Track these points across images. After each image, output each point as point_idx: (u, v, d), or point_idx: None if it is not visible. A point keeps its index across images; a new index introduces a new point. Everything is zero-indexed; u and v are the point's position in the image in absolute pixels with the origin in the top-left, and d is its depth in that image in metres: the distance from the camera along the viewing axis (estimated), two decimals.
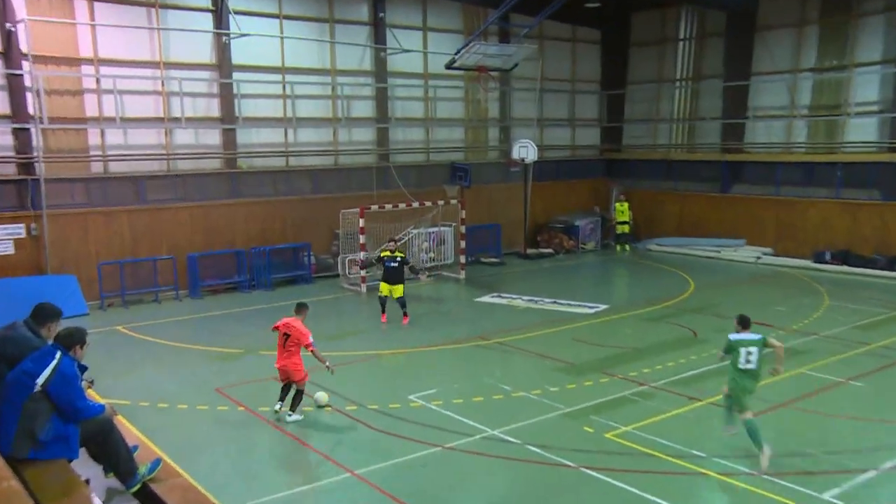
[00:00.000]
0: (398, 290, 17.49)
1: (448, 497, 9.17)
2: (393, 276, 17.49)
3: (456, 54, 21.87)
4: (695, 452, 10.11)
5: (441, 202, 23.75)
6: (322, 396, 12.09)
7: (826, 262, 23.71)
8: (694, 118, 29.13)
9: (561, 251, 27.87)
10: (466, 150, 27.53)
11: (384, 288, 17.60)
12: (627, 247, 28.34)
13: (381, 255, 18.00)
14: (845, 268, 23.26)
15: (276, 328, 11.64)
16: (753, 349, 9.77)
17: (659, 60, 30.12)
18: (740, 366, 9.76)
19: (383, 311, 17.65)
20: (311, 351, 11.32)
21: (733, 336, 9.98)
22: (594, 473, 9.54)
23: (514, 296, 20.40)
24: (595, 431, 10.90)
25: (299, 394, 11.59)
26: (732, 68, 26.97)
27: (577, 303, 19.31)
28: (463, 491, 9.32)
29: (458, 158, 26.85)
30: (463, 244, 23.76)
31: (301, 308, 11.77)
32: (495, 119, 28.38)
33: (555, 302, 19.60)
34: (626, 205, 28.46)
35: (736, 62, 26.87)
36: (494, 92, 27.12)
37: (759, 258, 25.32)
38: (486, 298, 20.39)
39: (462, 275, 23.39)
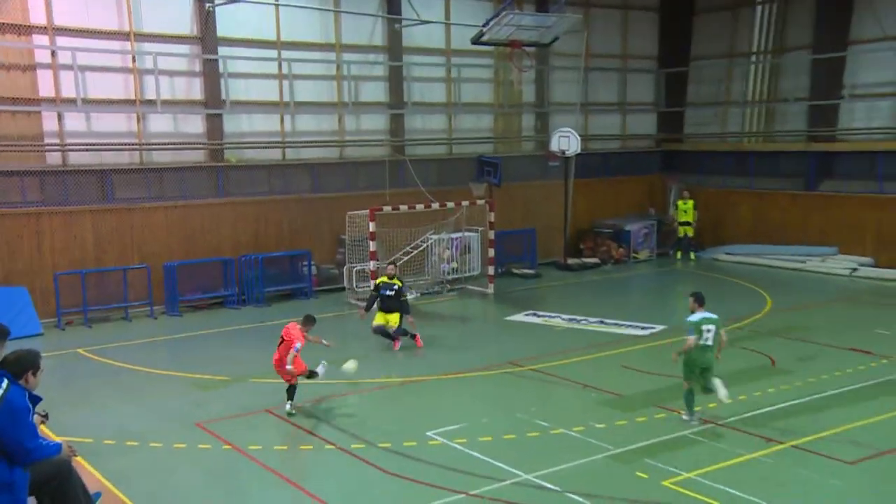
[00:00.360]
0: (394, 318, 17.53)
1: None
2: (389, 305, 17.57)
3: (484, 26, 21.84)
4: None
5: (466, 203, 23.72)
6: (351, 367, 14.01)
7: None
8: (774, 100, 28.90)
9: (608, 261, 27.78)
10: (496, 141, 27.57)
11: (380, 317, 17.63)
12: (692, 255, 28.14)
13: (378, 282, 18.06)
14: None
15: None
16: (712, 327, 12.43)
17: (731, 30, 29.99)
18: (700, 342, 12.31)
19: (392, 338, 17.66)
20: (292, 353, 13.10)
21: (695, 317, 12.44)
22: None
23: (552, 314, 20.33)
24: (650, 478, 10.76)
25: (292, 389, 13.55)
26: (825, 37, 26.67)
27: (628, 323, 19.21)
28: None
29: (487, 151, 26.86)
30: (491, 253, 23.74)
31: (308, 320, 13.68)
32: (530, 104, 28.40)
33: (601, 322, 19.51)
34: (690, 203, 28.27)
35: (830, 29, 26.57)
36: (530, 72, 27.02)
37: (854, 270, 25.03)
38: (519, 317, 20.33)
39: (490, 289, 23.34)
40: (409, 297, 21.96)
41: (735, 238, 28.68)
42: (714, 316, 12.47)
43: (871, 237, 25.65)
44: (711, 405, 13.56)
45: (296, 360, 13.22)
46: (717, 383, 12.45)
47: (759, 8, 29.03)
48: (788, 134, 28.48)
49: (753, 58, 29.34)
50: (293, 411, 13.47)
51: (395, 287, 17.62)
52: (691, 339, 12.27)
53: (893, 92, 25.81)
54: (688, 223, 28.27)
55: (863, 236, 25.80)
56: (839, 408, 13.42)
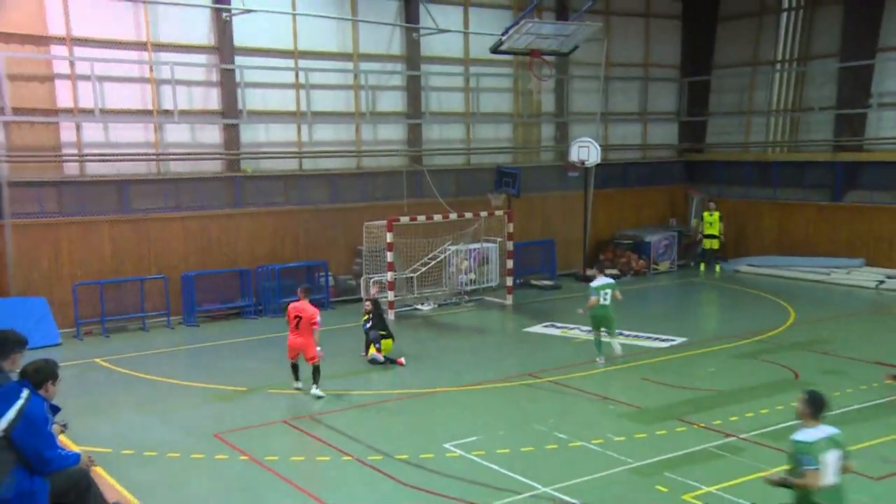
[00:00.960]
0: (384, 344, 17.47)
1: None
2: (372, 335, 17.43)
3: (503, 35, 21.93)
4: None
5: (484, 214, 23.85)
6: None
7: None
8: (799, 109, 28.76)
9: (629, 273, 27.77)
10: (515, 151, 27.66)
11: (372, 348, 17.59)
12: (717, 267, 28.09)
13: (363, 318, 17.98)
14: None
15: (288, 315, 15.07)
16: (609, 290, 16.77)
17: (755, 38, 29.88)
18: (601, 302, 16.53)
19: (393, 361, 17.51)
20: (314, 328, 14.56)
21: (595, 283, 16.93)
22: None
23: (571, 326, 20.34)
24: (670, 491, 10.79)
25: (317, 369, 14.76)
26: (852, 44, 26.56)
27: (648, 335, 19.24)
28: None
29: (505, 161, 26.94)
30: (510, 264, 23.79)
31: (306, 290, 15.31)
32: (550, 114, 28.46)
33: (620, 334, 19.48)
34: (716, 214, 28.16)
35: (857, 36, 26.44)
36: (549, 81, 27.08)
37: (881, 283, 24.90)
38: (538, 328, 20.42)
39: (509, 300, 23.40)
40: (426, 308, 22.23)
41: (758, 250, 28.58)
42: (610, 281, 17.21)
43: None
44: (733, 418, 13.61)
45: (313, 345, 14.61)
46: (615, 343, 17.13)
47: (784, 15, 28.91)
48: (814, 143, 28.34)
49: (778, 66, 29.21)
50: (323, 394, 14.78)
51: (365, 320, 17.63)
52: (593, 298, 16.63)
53: None
54: (714, 236, 28.14)
55: (890, 248, 25.65)
56: (864, 422, 13.35)
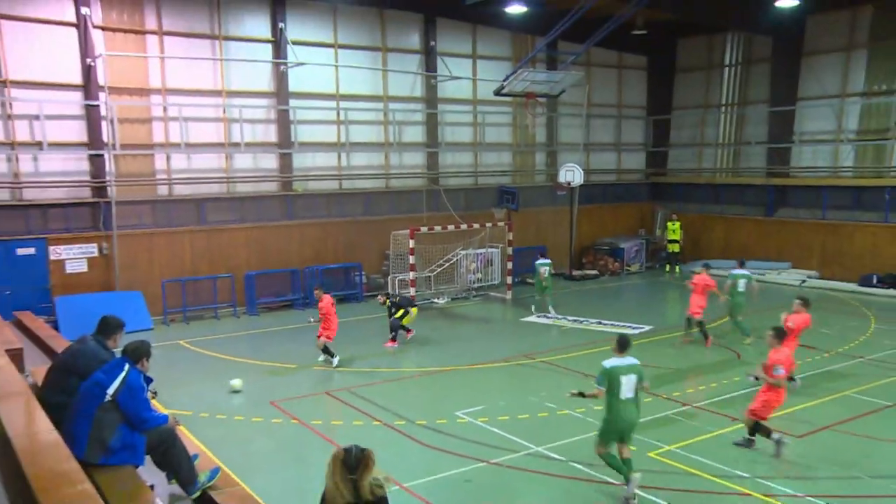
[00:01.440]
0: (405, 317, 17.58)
1: None
2: (393, 322, 17.49)
3: (504, 81, 22.02)
4: (738, 473, 9.98)
5: (489, 224, 23.88)
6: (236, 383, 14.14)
7: (873, 286, 23.15)
8: (739, 143, 28.83)
9: (606, 273, 27.73)
10: (514, 173, 27.68)
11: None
12: (677, 268, 28.04)
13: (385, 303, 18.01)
14: (893, 291, 22.68)
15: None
16: (545, 267, 20.23)
17: (705, 86, 29.92)
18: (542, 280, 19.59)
19: (391, 337, 17.49)
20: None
21: (539, 261, 20.38)
22: (636, 491, 9.47)
23: (559, 316, 20.36)
24: (638, 450, 10.77)
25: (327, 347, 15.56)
26: (778, 93, 26.70)
27: (622, 323, 19.22)
28: None
29: (506, 182, 26.99)
30: (510, 265, 23.82)
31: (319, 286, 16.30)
32: (542, 144, 28.49)
33: (599, 322, 19.54)
34: (677, 224, 28.20)
35: (782, 87, 26.59)
36: (542, 117, 27.22)
37: (804, 281, 24.82)
38: (532, 318, 20.41)
39: (508, 295, 23.43)
40: (441, 301, 22.33)
41: (709, 254, 28.36)
42: (546, 261, 20.86)
43: (816, 254, 25.66)
44: (689, 390, 13.61)
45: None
46: (551, 307, 20.22)
47: (726, 69, 29.13)
48: (751, 170, 28.35)
49: (723, 108, 29.27)
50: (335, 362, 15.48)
51: (392, 304, 17.68)
52: (543, 269, 20.53)
53: (832, 138, 25.82)
54: (675, 241, 28.21)
55: (811, 254, 25.77)
56: (789, 393, 13.36)
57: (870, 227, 24.27)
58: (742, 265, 18.07)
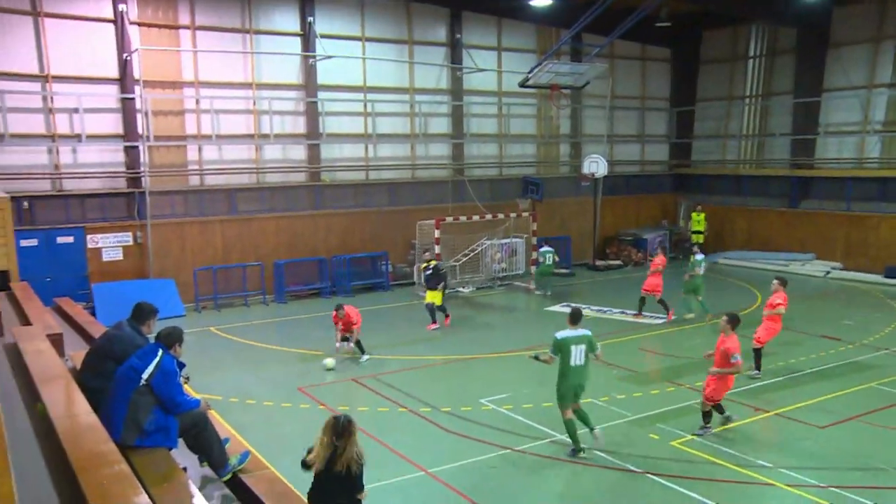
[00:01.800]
0: (435, 296, 17.78)
1: (515, 497, 9.20)
2: (430, 284, 17.91)
3: (529, 73, 21.87)
4: (761, 462, 9.88)
5: (513, 215, 23.79)
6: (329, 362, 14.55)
7: None
8: (763, 134, 28.39)
9: (629, 263, 27.54)
10: (538, 164, 27.51)
11: (428, 296, 18.03)
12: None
13: (421, 267, 18.23)
14: None
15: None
16: (549, 254, 20.38)
17: (729, 78, 29.48)
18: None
19: (432, 319, 17.87)
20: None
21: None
22: (659, 479, 9.43)
23: (583, 305, 20.17)
24: (660, 438, 10.76)
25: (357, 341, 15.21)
26: (803, 85, 26.23)
27: (644, 314, 19.04)
28: (529, 491, 9.34)
29: (531, 173, 26.83)
30: (534, 255, 23.71)
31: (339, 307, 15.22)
32: (567, 135, 28.28)
33: (622, 312, 19.40)
34: (702, 215, 27.82)
35: (807, 79, 26.12)
36: (566, 109, 26.90)
37: (828, 273, 24.45)
38: (556, 308, 20.29)
39: (532, 285, 23.30)
40: (466, 290, 22.36)
41: (732, 246, 28.22)
42: (550, 249, 21.12)
43: (840, 246, 25.19)
44: None
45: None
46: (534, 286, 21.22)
47: (751, 61, 28.60)
48: (775, 162, 27.91)
49: (747, 100, 28.79)
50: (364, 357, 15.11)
51: (430, 267, 17.97)
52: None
53: (858, 130, 25.30)
54: (699, 232, 27.85)
55: (834, 245, 25.33)
56: (813, 384, 13.26)
57: (895, 219, 23.82)
58: (701, 250, 19.52)
